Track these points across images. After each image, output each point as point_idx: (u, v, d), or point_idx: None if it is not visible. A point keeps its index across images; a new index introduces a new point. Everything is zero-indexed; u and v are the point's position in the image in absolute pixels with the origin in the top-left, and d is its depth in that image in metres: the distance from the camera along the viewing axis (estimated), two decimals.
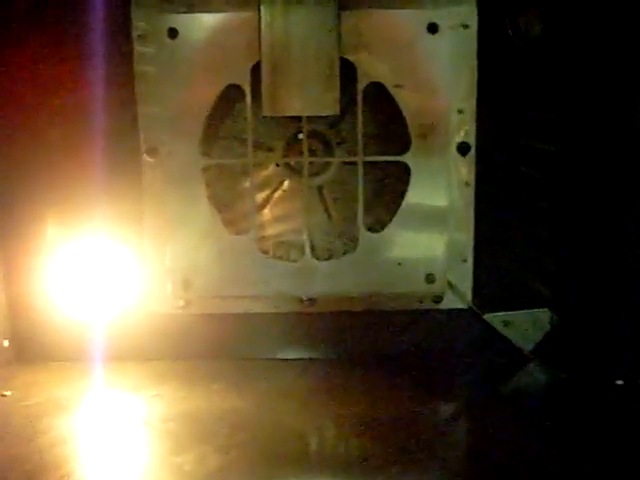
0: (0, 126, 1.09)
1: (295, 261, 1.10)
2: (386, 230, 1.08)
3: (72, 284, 1.13)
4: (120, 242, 1.11)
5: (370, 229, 1.08)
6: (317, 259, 1.09)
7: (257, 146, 1.06)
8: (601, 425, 0.93)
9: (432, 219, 1.08)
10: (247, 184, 1.09)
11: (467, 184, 1.08)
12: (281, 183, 1.10)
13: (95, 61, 1.06)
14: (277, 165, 1.10)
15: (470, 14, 1.04)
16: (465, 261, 1.10)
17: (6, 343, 1.13)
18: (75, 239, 1.12)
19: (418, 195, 1.07)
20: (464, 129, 1.07)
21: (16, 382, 1.08)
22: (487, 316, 1.12)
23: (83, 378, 1.09)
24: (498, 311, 1.13)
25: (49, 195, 1.11)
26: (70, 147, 1.09)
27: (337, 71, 1.00)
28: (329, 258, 1.10)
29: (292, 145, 1.09)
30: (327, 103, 1.00)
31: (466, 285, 1.12)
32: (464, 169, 1.08)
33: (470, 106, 1.06)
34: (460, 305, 1.12)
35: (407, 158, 1.06)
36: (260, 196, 1.10)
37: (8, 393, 1.05)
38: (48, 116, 1.09)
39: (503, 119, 1.08)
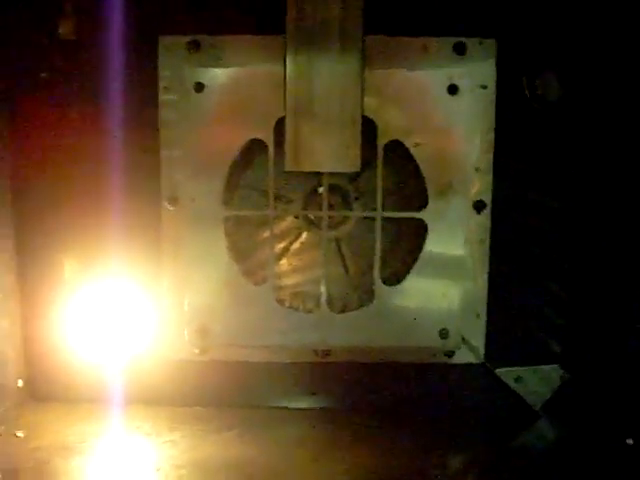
0: (22, 167, 1.11)
1: (311, 312, 1.11)
2: (402, 284, 1.09)
3: (89, 326, 1.14)
4: (138, 287, 1.12)
5: (386, 283, 1.09)
6: (333, 311, 1.10)
7: (277, 198, 1.08)
8: None
9: (447, 274, 1.09)
10: (266, 235, 1.11)
11: (482, 241, 1.10)
12: (299, 235, 1.12)
13: (119, 107, 1.08)
14: (296, 217, 1.11)
15: (489, 75, 1.06)
16: (478, 316, 1.11)
17: (20, 383, 1.13)
18: (93, 282, 1.13)
19: (434, 251, 1.09)
20: (480, 187, 1.09)
21: (28, 422, 1.09)
22: (499, 371, 1.12)
23: (96, 421, 1.09)
24: (509, 366, 1.13)
25: (68, 237, 1.13)
26: (91, 191, 1.11)
27: (359, 129, 1.02)
28: (345, 310, 1.11)
29: (311, 198, 1.11)
30: (348, 160, 1.03)
31: (479, 340, 1.12)
32: (479, 226, 1.10)
33: (486, 164, 1.08)
34: (472, 360, 1.13)
35: (424, 215, 1.08)
36: (278, 247, 1.12)
37: (20, 434, 1.05)
38: (70, 158, 1.11)
39: (518, 177, 1.10)
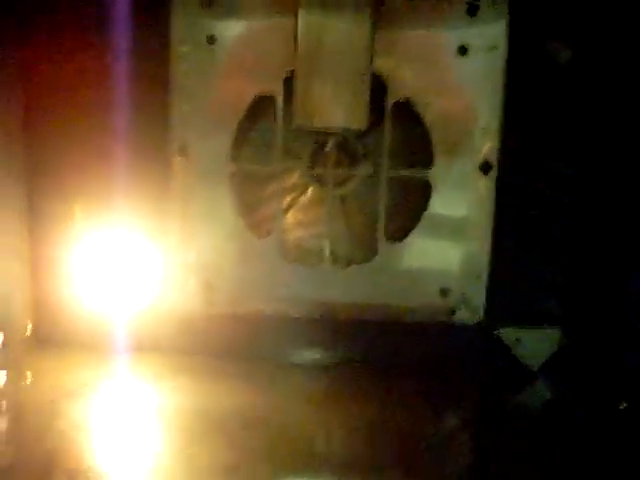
0: (32, 117, 1.12)
1: (314, 266, 1.12)
2: (405, 241, 1.11)
3: (97, 275, 1.15)
4: (146, 237, 1.14)
5: (389, 240, 1.10)
6: (335, 266, 1.12)
7: (284, 153, 1.09)
8: (599, 445, 0.95)
9: (450, 235, 1.11)
10: (272, 189, 1.12)
11: (487, 201, 1.10)
12: (305, 191, 1.13)
13: (131, 59, 1.08)
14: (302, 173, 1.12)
15: (500, 37, 1.06)
16: (479, 277, 1.12)
17: (29, 329, 1.15)
18: (102, 231, 1.14)
19: (438, 211, 1.10)
20: (487, 148, 1.09)
21: (36, 368, 1.11)
22: (498, 331, 1.14)
23: (102, 367, 1.12)
24: (508, 327, 1.14)
25: (79, 185, 1.14)
26: (100, 141, 1.11)
27: (368, 87, 1.03)
28: (348, 266, 1.12)
29: (319, 154, 1.11)
30: (356, 117, 1.03)
31: (479, 301, 1.14)
32: (485, 187, 1.10)
33: (494, 126, 1.09)
34: (472, 319, 1.14)
35: (430, 174, 1.08)
36: (284, 202, 1.13)
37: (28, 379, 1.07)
38: (80, 109, 1.11)
39: (526, 139, 1.11)
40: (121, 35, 1.08)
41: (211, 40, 1.06)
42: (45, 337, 1.17)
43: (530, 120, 1.10)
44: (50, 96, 1.11)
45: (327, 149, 1.10)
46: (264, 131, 1.11)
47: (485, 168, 1.09)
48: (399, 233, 1.12)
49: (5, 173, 1.08)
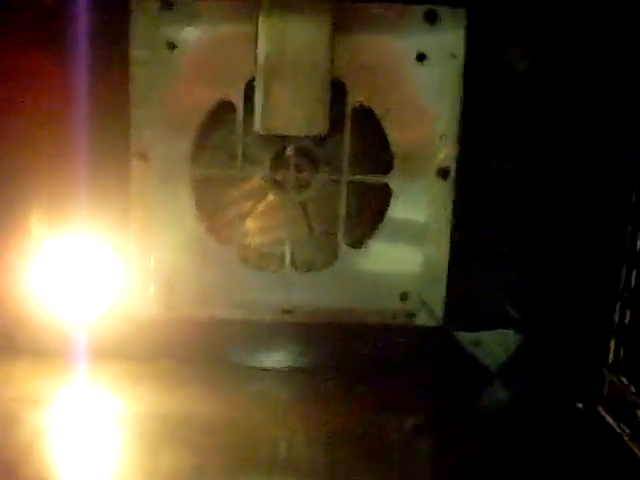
0: None
1: (275, 272, 1.13)
2: (365, 247, 1.12)
3: (55, 281, 1.14)
4: (105, 243, 1.13)
5: (350, 245, 1.11)
6: (296, 271, 1.12)
7: (245, 158, 1.09)
8: (556, 446, 0.97)
9: (409, 239, 1.12)
10: (233, 194, 1.12)
11: (445, 206, 1.12)
12: (266, 196, 1.13)
13: (88, 63, 1.07)
14: (263, 179, 1.12)
15: (459, 45, 1.07)
16: (439, 281, 1.14)
17: None
18: (60, 237, 1.13)
19: (398, 215, 1.11)
20: (445, 154, 1.11)
21: None
22: (457, 334, 1.15)
23: (61, 374, 1.11)
24: (468, 330, 1.16)
25: (36, 193, 1.12)
26: (58, 147, 1.10)
27: (328, 92, 1.03)
28: (308, 271, 1.13)
29: (279, 159, 1.12)
30: (317, 123, 1.04)
31: (438, 304, 1.15)
32: (443, 192, 1.12)
33: (452, 132, 1.10)
34: (432, 323, 1.15)
35: (389, 179, 1.09)
36: (245, 207, 1.13)
37: None
38: (36, 114, 1.10)
39: (483, 146, 1.12)
40: (80, 38, 1.07)
41: (171, 46, 1.05)
42: (3, 344, 1.14)
43: (487, 127, 1.11)
44: (4, 99, 1.09)
45: (287, 154, 1.10)
46: (224, 136, 1.10)
47: (443, 173, 1.10)
48: (359, 238, 1.12)
49: None
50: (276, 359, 1.17)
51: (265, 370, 1.17)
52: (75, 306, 1.15)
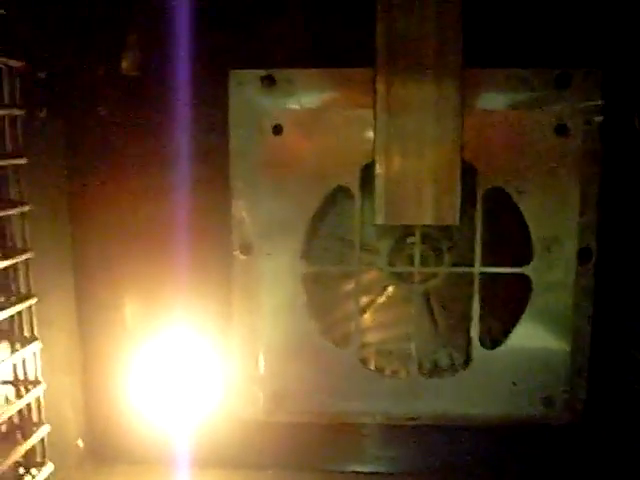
0: (81, 210, 1.04)
1: (397, 374, 1.01)
2: (502, 346, 0.98)
3: (153, 382, 1.05)
4: (206, 341, 1.04)
5: (482, 344, 0.98)
6: (422, 371, 1.00)
7: (362, 248, 0.98)
8: None
9: (551, 333, 0.99)
10: (348, 289, 1.00)
11: (588, 295, 0.97)
12: (385, 289, 1.01)
13: (185, 148, 0.99)
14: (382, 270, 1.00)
15: (596, 111, 0.94)
16: (580, 376, 1.00)
17: (80, 443, 1.05)
18: (158, 335, 1.04)
19: (538, 308, 0.97)
20: (586, 235, 0.97)
21: None
22: (600, 433, 1.01)
23: None
24: (612, 427, 1.02)
25: (135, 288, 1.05)
26: (157, 236, 1.02)
27: (458, 176, 0.91)
28: (434, 370, 1.01)
29: (399, 248, 1.00)
30: (446, 213, 0.92)
31: (580, 401, 1.01)
32: (585, 278, 0.98)
33: (592, 211, 0.97)
34: (573, 420, 1.02)
35: (529, 270, 0.96)
36: (362, 302, 1.01)
37: None
38: (132, 200, 1.03)
39: (625, 223, 0.98)
40: (175, 122, 0.97)
41: (276, 130, 0.94)
42: (100, 452, 1.07)
43: (628, 200, 0.97)
44: (100, 187, 1.03)
45: (410, 242, 0.98)
46: (338, 225, 0.99)
47: (585, 256, 0.96)
48: (492, 336, 0.99)
49: (55, 271, 0.99)
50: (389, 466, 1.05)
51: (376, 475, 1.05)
52: (174, 409, 1.05)
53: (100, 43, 0.98)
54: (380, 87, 0.91)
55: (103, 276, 1.04)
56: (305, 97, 0.95)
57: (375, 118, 0.91)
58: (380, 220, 0.92)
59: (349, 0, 0.94)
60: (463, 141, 0.92)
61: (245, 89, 0.96)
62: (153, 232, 1.02)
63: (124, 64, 0.98)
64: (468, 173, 0.94)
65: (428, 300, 1.02)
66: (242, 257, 0.99)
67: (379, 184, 0.92)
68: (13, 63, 0.81)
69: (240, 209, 0.98)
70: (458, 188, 0.91)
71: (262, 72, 0.96)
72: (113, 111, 1.01)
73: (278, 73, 0.96)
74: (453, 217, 0.92)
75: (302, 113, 0.95)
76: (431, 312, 1.03)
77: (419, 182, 0.91)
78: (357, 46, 0.94)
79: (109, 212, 1.03)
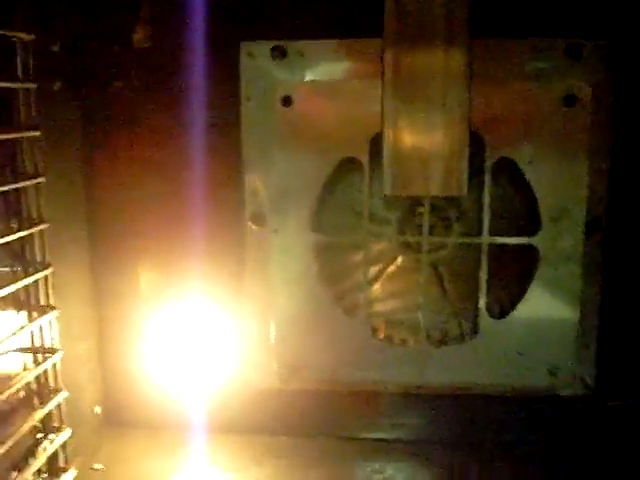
0: (96, 181, 1.05)
1: (407, 343, 1.02)
2: (510, 316, 0.99)
3: (167, 350, 1.07)
4: (220, 310, 1.05)
5: (490, 314, 0.99)
6: (431, 341, 1.01)
7: (371, 219, 0.99)
8: None
9: (558, 304, 0.99)
10: (358, 259, 1.01)
11: (596, 265, 0.98)
12: (394, 258, 1.02)
13: (198, 120, 1.00)
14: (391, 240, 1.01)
15: (605, 82, 0.94)
16: (588, 347, 1.01)
17: (98, 410, 1.07)
18: (172, 304, 1.07)
19: (546, 279, 0.98)
20: (595, 206, 0.97)
21: (107, 453, 1.05)
22: (610, 404, 1.02)
23: (176, 450, 1.04)
24: (621, 399, 1.03)
25: (149, 257, 1.07)
26: (170, 206, 1.04)
27: (467, 147, 0.91)
28: (444, 340, 1.02)
29: (408, 218, 1.01)
30: (454, 183, 0.92)
31: (589, 372, 1.02)
32: (594, 250, 0.98)
33: (603, 183, 0.97)
34: (582, 393, 1.02)
35: (537, 241, 0.97)
36: (372, 271, 1.03)
37: (99, 466, 1.00)
38: (146, 172, 1.04)
39: (636, 194, 0.98)
40: (188, 94, 0.99)
41: (286, 101, 0.94)
42: (115, 418, 1.10)
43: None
44: (116, 159, 1.04)
45: (419, 213, 0.98)
46: (348, 197, 1.00)
47: (594, 228, 0.97)
48: (501, 306, 1.00)
49: (70, 241, 1.01)
50: (403, 432, 1.07)
51: (391, 442, 1.07)
52: (189, 377, 1.08)
53: (112, 15, 0.98)
54: (388, 57, 0.91)
55: (118, 245, 1.06)
56: (315, 69, 0.96)
57: (383, 89, 0.91)
58: (388, 191, 0.93)
59: None
60: (471, 111, 0.91)
61: (256, 60, 0.96)
62: (168, 203, 1.04)
63: (136, 37, 0.98)
64: (476, 143, 0.94)
65: (437, 270, 1.03)
66: (255, 228, 1.00)
67: (387, 155, 0.92)
68: (25, 36, 0.81)
69: (252, 181, 0.99)
70: (466, 159, 0.92)
71: (273, 43, 0.96)
72: (127, 83, 1.01)
73: (289, 44, 0.96)
74: (461, 188, 0.92)
75: (312, 85, 0.95)
76: (440, 282, 1.03)
77: (427, 153, 0.92)
78: (367, 18, 0.93)
79: (124, 183, 1.04)
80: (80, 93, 1.01)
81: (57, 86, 0.96)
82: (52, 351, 0.89)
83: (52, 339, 0.89)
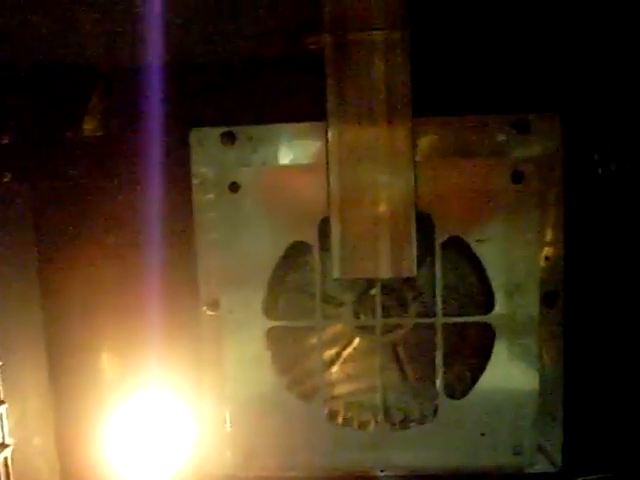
0: (50, 269, 1.05)
1: (366, 427, 1.00)
2: (469, 396, 0.97)
3: (126, 439, 1.06)
4: (178, 396, 1.04)
5: (450, 394, 0.97)
6: (392, 423, 0.99)
7: (325, 301, 0.98)
8: None
9: (519, 379, 0.97)
10: (313, 342, 1.00)
11: (555, 337, 0.97)
12: (351, 341, 1.01)
13: (151, 206, 0.99)
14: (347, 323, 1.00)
15: (556, 155, 0.94)
16: (554, 420, 0.98)
17: None
18: (132, 394, 1.05)
19: (504, 355, 0.97)
20: (552, 278, 0.96)
21: None
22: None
23: None
24: (589, 474, 1.01)
25: (103, 345, 1.06)
26: (128, 293, 1.04)
27: (413, 228, 0.91)
28: (405, 422, 1.00)
29: (363, 299, 0.99)
30: (404, 265, 0.92)
31: (555, 446, 0.99)
32: (552, 321, 0.98)
33: (557, 253, 0.96)
34: (549, 469, 1.00)
35: (492, 318, 0.96)
36: (327, 355, 1.02)
37: None
38: (101, 260, 1.04)
39: (592, 261, 0.98)
40: (140, 180, 1.00)
41: (234, 187, 0.95)
42: None
43: (592, 239, 0.97)
44: (68, 247, 1.04)
45: (372, 294, 0.97)
46: (301, 279, 0.99)
47: (551, 300, 0.96)
48: (460, 385, 0.98)
49: (23, 331, 1.00)
50: None
51: None
52: (146, 466, 1.06)
53: (62, 106, 0.99)
54: (332, 139, 0.91)
55: (74, 338, 1.05)
56: (263, 153, 0.96)
57: (327, 171, 0.91)
58: (337, 274, 0.92)
59: (301, 60, 0.94)
60: (418, 190, 0.91)
61: (205, 146, 0.97)
62: (123, 289, 1.03)
63: (87, 126, 0.99)
64: (425, 223, 0.94)
65: (395, 350, 1.01)
66: (210, 313, 0.99)
67: (335, 239, 0.92)
68: None
69: (205, 265, 0.99)
70: (414, 239, 0.91)
71: (222, 129, 0.96)
72: (78, 172, 1.01)
73: (238, 129, 0.96)
74: (410, 269, 0.92)
75: (259, 170, 0.96)
76: (399, 362, 1.01)
77: (374, 235, 0.92)
78: (312, 102, 0.94)
79: (78, 271, 1.03)
80: (31, 183, 1.01)
81: (7, 177, 0.96)
82: (2, 446, 0.87)
83: (2, 433, 0.87)
